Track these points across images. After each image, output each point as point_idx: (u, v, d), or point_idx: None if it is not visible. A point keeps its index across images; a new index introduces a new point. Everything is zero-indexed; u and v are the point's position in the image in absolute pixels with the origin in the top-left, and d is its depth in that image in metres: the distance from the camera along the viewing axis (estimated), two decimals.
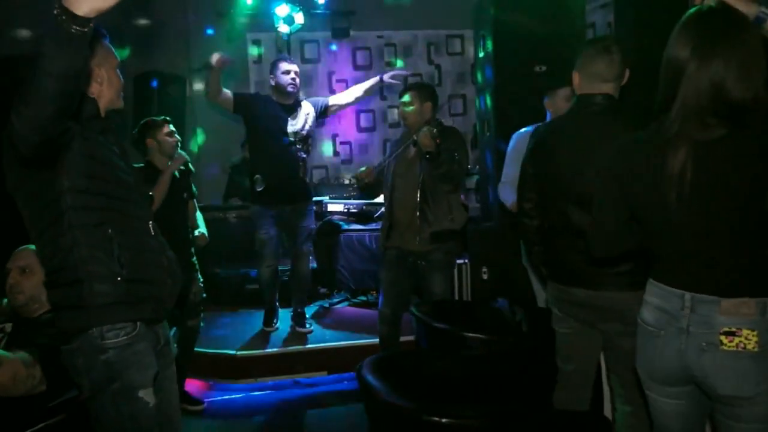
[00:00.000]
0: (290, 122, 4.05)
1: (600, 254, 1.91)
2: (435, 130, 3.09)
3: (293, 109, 4.09)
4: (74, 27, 1.33)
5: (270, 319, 4.31)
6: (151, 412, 1.83)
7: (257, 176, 4.03)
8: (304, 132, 4.10)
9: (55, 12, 1.32)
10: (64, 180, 1.70)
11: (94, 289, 1.74)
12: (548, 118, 3.52)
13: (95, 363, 1.76)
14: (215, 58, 3.86)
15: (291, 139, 4.04)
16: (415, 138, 3.20)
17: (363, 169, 3.63)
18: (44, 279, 1.91)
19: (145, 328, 1.84)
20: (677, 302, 1.61)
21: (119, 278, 1.77)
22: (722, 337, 1.54)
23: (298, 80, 4.07)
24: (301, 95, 6.18)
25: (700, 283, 1.58)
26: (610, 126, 2.10)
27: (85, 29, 1.35)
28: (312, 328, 4.33)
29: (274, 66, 4.10)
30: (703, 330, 1.56)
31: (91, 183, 1.75)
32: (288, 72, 4.02)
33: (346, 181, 6.28)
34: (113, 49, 1.91)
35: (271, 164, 4.03)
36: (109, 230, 1.77)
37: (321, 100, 4.32)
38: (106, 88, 1.88)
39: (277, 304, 4.36)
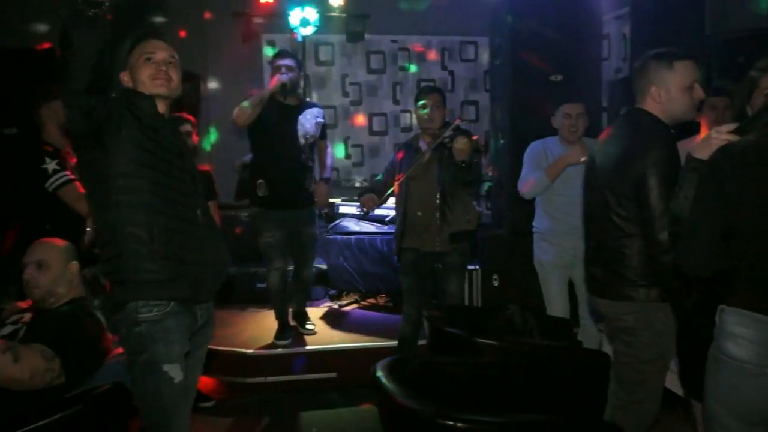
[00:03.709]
0: (300, 124, 3.88)
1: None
2: (473, 139, 3.12)
3: (298, 110, 3.92)
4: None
5: (282, 333, 4.11)
6: (174, 388, 1.95)
7: (260, 181, 3.86)
8: (312, 136, 3.92)
9: None
10: (115, 164, 1.90)
11: (132, 265, 1.91)
12: (557, 137, 3.56)
13: (130, 334, 1.93)
14: (275, 81, 3.75)
15: (300, 142, 3.88)
16: (448, 144, 3.19)
17: (368, 195, 3.54)
18: (98, 251, 2.07)
19: (179, 307, 1.97)
20: None
21: (156, 257, 1.91)
22: None
23: (291, 74, 3.82)
24: (315, 98, 6.28)
25: None
26: None
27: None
28: (315, 329, 4.29)
29: (270, 63, 3.98)
30: None
31: (140, 169, 1.92)
32: (278, 69, 3.82)
33: (357, 184, 6.29)
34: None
35: (275, 169, 3.85)
36: (153, 213, 1.92)
37: (323, 125, 4.07)
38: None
39: (288, 317, 4.18)
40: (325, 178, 4.08)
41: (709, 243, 1.68)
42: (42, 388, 2.09)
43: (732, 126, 1.75)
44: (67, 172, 3.01)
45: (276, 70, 3.84)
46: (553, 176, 3.35)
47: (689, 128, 2.84)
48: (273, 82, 3.78)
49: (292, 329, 4.23)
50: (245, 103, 3.73)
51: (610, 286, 2.29)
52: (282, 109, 3.87)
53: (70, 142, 1.99)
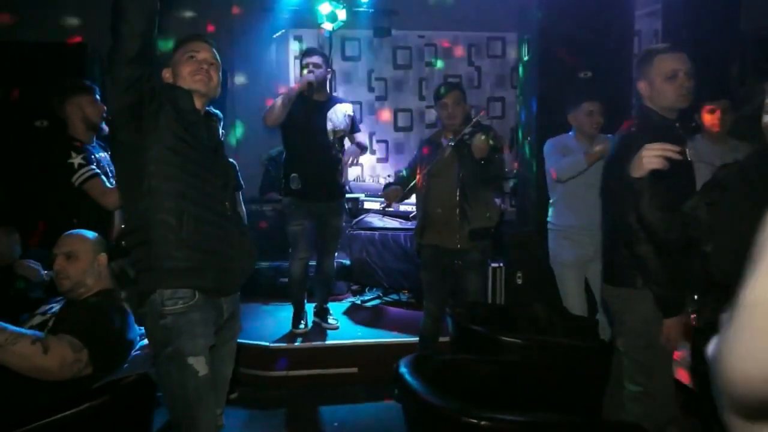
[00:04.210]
0: (329, 119, 3.97)
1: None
2: (491, 136, 3.11)
3: (327, 105, 4.00)
4: None
5: (298, 320, 4.25)
6: (199, 382, 1.96)
7: (294, 175, 3.96)
8: (342, 131, 4.02)
9: None
10: (150, 149, 1.93)
11: (160, 252, 1.93)
12: (572, 133, 3.57)
13: (156, 326, 1.95)
14: (304, 79, 3.82)
15: (330, 137, 3.96)
16: (468, 141, 3.19)
17: (392, 187, 3.57)
18: (125, 240, 2.10)
19: (204, 299, 1.99)
20: None
21: (183, 245, 1.93)
22: None
23: (319, 71, 3.89)
24: (341, 94, 6.28)
25: None
26: None
27: None
28: (337, 324, 4.32)
29: (299, 60, 4.05)
30: None
31: (174, 157, 1.95)
32: (306, 66, 3.92)
33: (382, 180, 6.29)
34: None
35: (306, 163, 3.97)
36: (183, 201, 1.95)
37: (356, 119, 4.22)
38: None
39: (305, 303, 4.31)
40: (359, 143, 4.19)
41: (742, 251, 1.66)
42: (70, 379, 2.12)
43: (665, 145, 1.90)
44: (93, 167, 3.05)
45: (304, 67, 3.93)
46: (590, 162, 3.35)
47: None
48: (301, 81, 3.85)
49: (316, 324, 4.29)
50: (273, 106, 3.81)
51: (605, 270, 2.49)
52: (310, 105, 3.94)
53: (107, 121, 2.02)
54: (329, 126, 3.96)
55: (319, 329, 4.26)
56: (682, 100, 2.29)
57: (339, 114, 4.01)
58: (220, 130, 2.31)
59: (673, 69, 2.27)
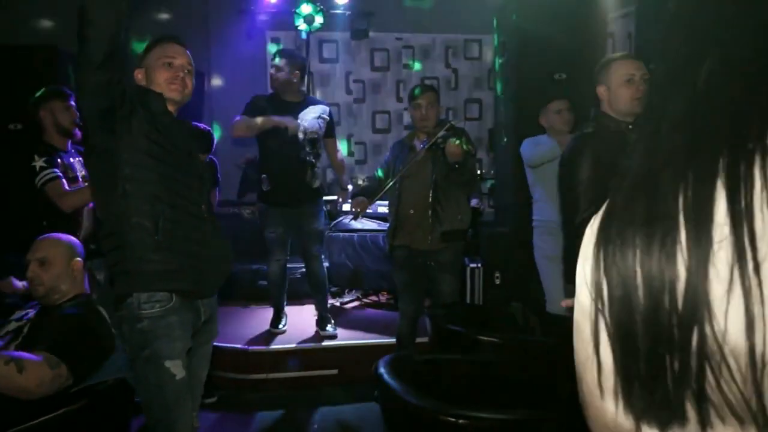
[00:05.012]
0: (300, 119, 3.85)
1: None
2: (464, 140, 3.12)
3: (299, 106, 3.91)
4: None
5: (277, 320, 4.25)
6: (176, 385, 1.96)
7: (264, 176, 3.92)
8: (314, 132, 3.85)
9: None
10: (124, 152, 1.91)
11: (136, 256, 1.92)
12: (546, 135, 3.62)
13: (133, 330, 1.94)
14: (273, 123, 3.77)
15: (300, 137, 3.82)
16: (441, 144, 3.19)
17: (359, 198, 3.53)
18: (101, 243, 2.06)
19: (181, 303, 1.98)
20: None
21: (160, 248, 1.92)
22: None
23: (280, 74, 3.87)
24: (319, 95, 6.28)
25: None
26: None
27: None
28: (336, 332, 4.19)
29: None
30: None
31: (149, 160, 1.94)
32: (273, 67, 3.94)
33: (360, 182, 6.29)
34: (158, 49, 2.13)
35: (276, 165, 3.89)
36: (159, 204, 1.94)
37: (329, 123, 4.04)
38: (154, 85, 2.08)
39: (285, 305, 4.29)
40: (344, 188, 4.31)
41: None
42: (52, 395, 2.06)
43: None
44: (55, 170, 3.05)
45: (276, 69, 3.90)
46: (563, 145, 3.38)
47: None
48: (273, 120, 3.77)
49: (301, 326, 4.28)
50: (243, 122, 3.78)
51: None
52: (280, 106, 3.88)
53: (80, 125, 2.00)
54: (299, 127, 3.85)
55: (306, 331, 4.23)
56: (636, 104, 2.39)
57: (311, 115, 3.91)
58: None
59: (629, 74, 2.39)
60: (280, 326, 4.24)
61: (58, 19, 5.63)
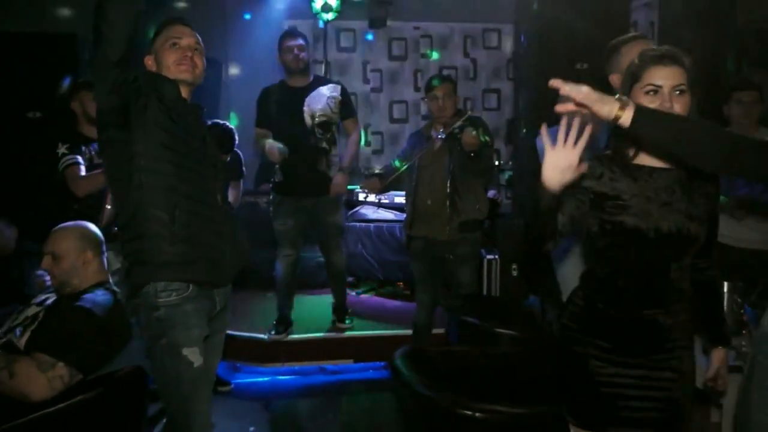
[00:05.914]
0: (306, 105, 3.67)
1: None
2: (481, 130, 3.09)
3: (306, 91, 3.70)
4: None
5: (281, 326, 3.92)
6: (194, 372, 1.96)
7: (276, 166, 3.73)
8: (323, 115, 3.68)
9: None
10: (139, 144, 1.91)
11: (153, 246, 1.92)
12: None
13: (150, 319, 1.94)
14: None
15: (308, 124, 3.67)
16: (458, 134, 3.16)
17: (370, 177, 3.53)
18: (120, 233, 2.07)
19: (197, 291, 1.98)
20: None
21: (175, 238, 1.92)
22: None
23: (303, 54, 3.65)
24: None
25: None
26: None
27: None
28: (353, 325, 4.13)
29: (279, 45, 3.72)
30: None
31: (163, 151, 1.93)
32: (290, 50, 3.65)
33: (377, 171, 6.26)
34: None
35: (288, 154, 3.58)
36: (174, 195, 1.93)
37: (341, 102, 3.79)
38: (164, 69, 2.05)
39: (292, 309, 4.01)
40: (342, 168, 3.81)
41: None
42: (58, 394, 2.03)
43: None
44: (75, 156, 3.13)
45: (287, 51, 3.68)
46: None
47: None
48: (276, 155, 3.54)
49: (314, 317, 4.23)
50: (262, 141, 3.67)
51: None
52: (287, 93, 3.74)
53: (96, 119, 2.00)
54: (306, 112, 3.68)
55: (323, 320, 4.18)
56: None
57: (320, 96, 3.72)
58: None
59: None
60: (277, 334, 3.90)
61: (77, 7, 5.65)
